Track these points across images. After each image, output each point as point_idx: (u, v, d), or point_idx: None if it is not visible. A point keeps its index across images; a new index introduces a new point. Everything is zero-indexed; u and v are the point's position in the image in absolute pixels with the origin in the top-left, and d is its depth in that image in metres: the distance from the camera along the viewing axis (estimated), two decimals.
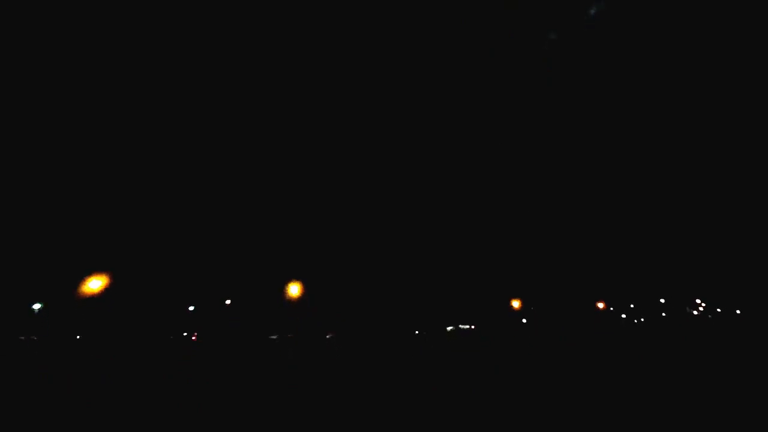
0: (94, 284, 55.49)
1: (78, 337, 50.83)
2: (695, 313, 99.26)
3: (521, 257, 59.41)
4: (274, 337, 51.69)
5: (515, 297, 60.42)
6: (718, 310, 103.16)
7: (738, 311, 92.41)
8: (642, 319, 77.57)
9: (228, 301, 52.55)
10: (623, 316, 75.15)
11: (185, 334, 51.53)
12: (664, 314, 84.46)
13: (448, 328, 58.59)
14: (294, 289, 53.23)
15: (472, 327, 60.11)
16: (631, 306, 74.37)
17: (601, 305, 68.79)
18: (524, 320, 64.85)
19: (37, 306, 51.75)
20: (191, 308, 52.79)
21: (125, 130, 60.22)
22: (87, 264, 58.75)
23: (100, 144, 60.64)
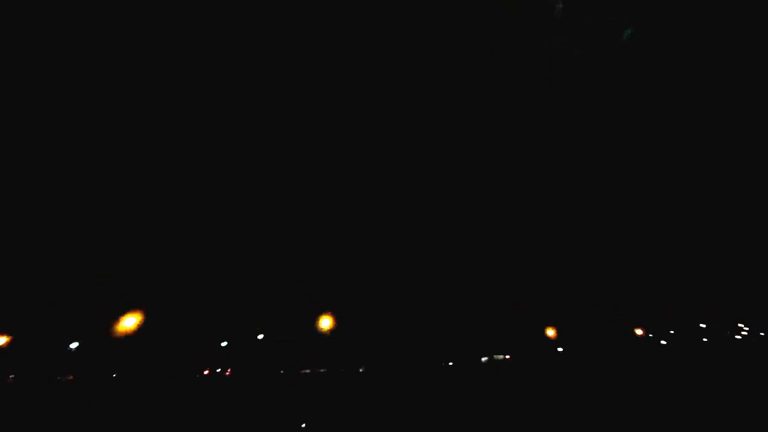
0: (128, 321, 56.24)
1: (114, 374, 51.14)
2: (738, 337, 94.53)
3: (555, 282, 58.17)
4: (307, 371, 51.08)
5: (550, 325, 58.78)
6: (762, 334, 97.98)
7: None
8: (683, 345, 74.29)
9: (260, 336, 52.46)
10: (663, 342, 72.11)
11: (219, 369, 51.39)
12: (705, 339, 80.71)
13: (483, 359, 57.04)
14: (326, 322, 52.93)
15: (507, 357, 58.39)
16: (671, 332, 71.43)
17: (639, 332, 66.31)
18: (560, 349, 62.79)
19: (74, 345, 52.51)
20: (224, 344, 52.82)
21: (158, 165, 62.16)
22: (119, 301, 59.67)
23: (133, 184, 62.59)
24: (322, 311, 54.62)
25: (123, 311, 53.85)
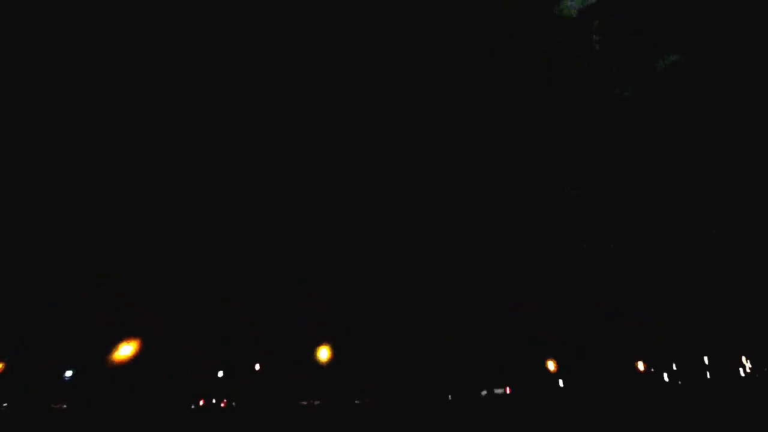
0: (124, 350, 55.77)
1: (108, 404, 50.31)
2: (742, 373, 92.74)
3: (557, 314, 57.91)
4: (303, 403, 50.25)
5: (550, 357, 58.13)
6: (767, 370, 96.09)
7: None
8: (686, 380, 73.07)
9: (257, 366, 51.90)
10: (665, 377, 70.97)
11: (214, 400, 50.58)
12: (708, 374, 79.27)
13: (483, 392, 56.10)
14: (323, 353, 52.47)
15: (507, 390, 57.42)
16: (674, 366, 70.39)
17: (641, 366, 65.47)
18: (560, 382, 61.85)
19: (68, 373, 51.89)
20: (220, 374, 52.20)
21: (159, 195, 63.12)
22: (116, 329, 59.38)
23: (135, 212, 63.45)
24: (319, 342, 54.30)
25: (117, 340, 53.50)
